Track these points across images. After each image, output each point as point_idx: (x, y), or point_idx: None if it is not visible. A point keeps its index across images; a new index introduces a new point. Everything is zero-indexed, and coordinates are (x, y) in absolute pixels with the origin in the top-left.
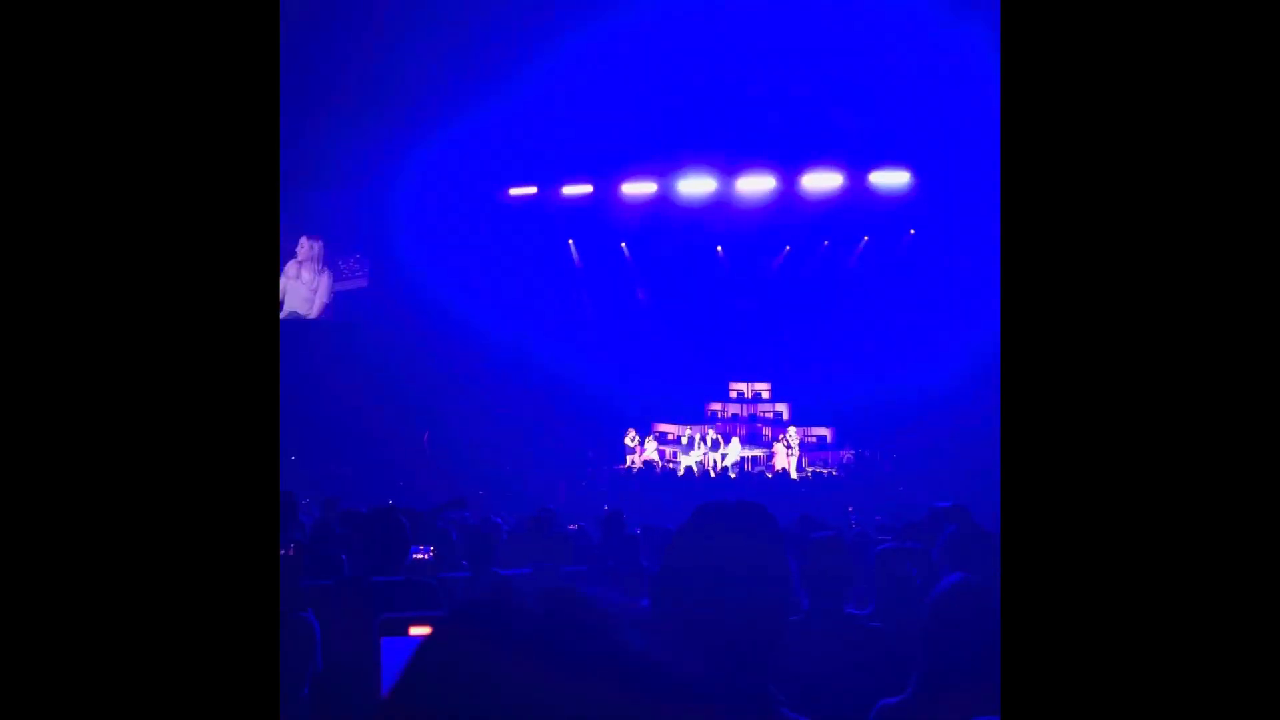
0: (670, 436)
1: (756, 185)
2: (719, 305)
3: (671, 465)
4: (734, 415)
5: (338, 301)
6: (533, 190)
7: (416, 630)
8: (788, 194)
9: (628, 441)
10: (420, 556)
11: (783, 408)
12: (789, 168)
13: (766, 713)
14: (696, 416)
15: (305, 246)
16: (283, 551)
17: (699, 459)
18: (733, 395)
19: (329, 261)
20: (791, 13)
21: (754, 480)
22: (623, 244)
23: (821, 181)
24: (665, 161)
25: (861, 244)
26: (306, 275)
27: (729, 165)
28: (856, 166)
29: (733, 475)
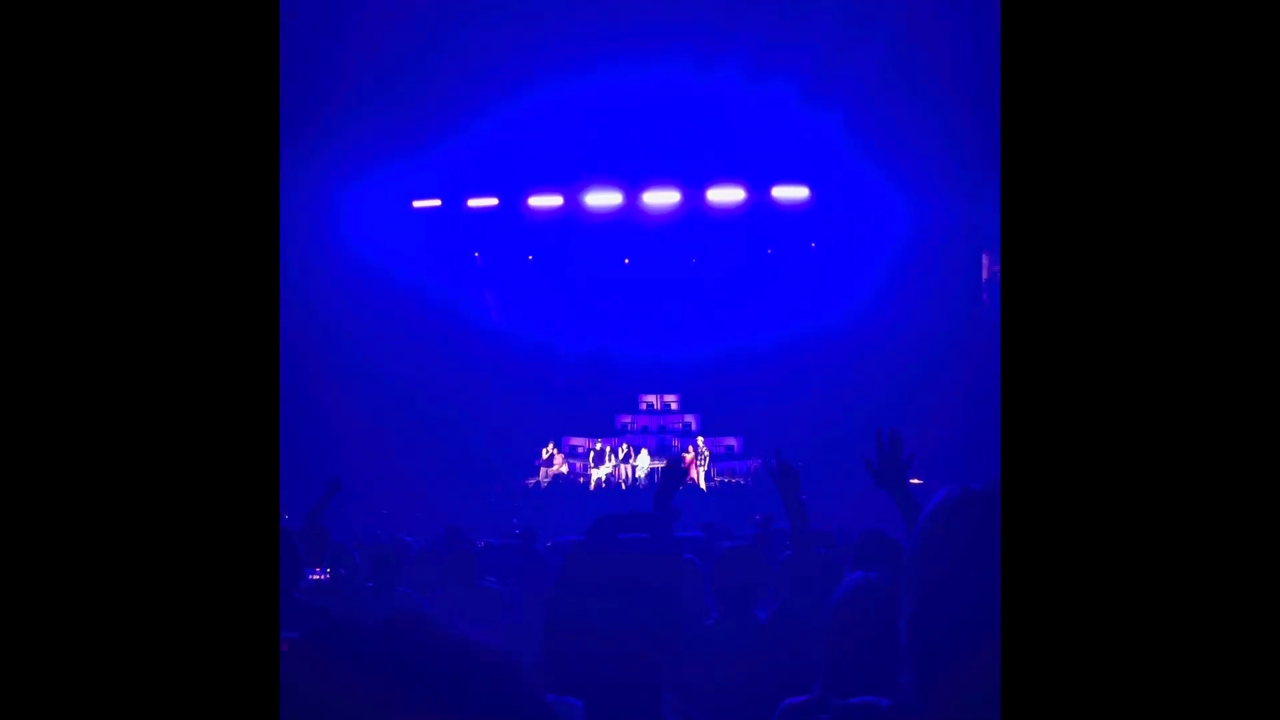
0: (580, 450)
1: (663, 199)
2: (628, 317)
3: (582, 479)
4: (644, 427)
5: None
6: (437, 203)
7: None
8: (694, 208)
9: (545, 455)
10: (317, 578)
11: (691, 419)
12: (693, 182)
13: None
14: (607, 429)
15: None
16: None
17: (610, 471)
18: (643, 407)
19: None
20: (693, 31)
21: None
22: (529, 256)
23: (725, 196)
24: (572, 175)
25: (765, 255)
26: None
27: (635, 180)
28: (758, 182)
29: (642, 487)
